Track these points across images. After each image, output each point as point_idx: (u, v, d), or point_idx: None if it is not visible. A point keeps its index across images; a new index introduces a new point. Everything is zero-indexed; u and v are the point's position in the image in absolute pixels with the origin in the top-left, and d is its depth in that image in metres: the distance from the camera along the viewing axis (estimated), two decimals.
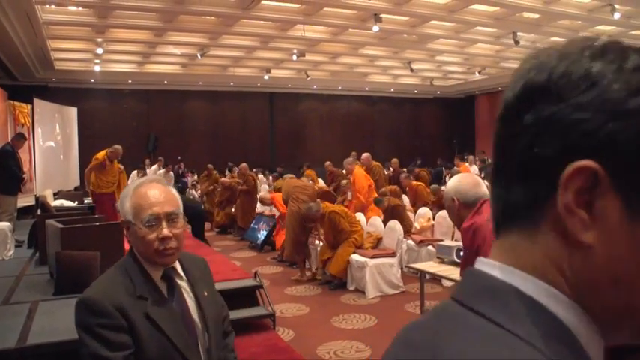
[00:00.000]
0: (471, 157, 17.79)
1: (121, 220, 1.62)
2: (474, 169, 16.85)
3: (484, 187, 2.67)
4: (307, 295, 6.86)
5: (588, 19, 11.64)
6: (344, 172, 10.46)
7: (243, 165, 11.45)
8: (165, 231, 1.59)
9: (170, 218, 1.62)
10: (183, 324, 1.64)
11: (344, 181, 10.25)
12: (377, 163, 11.04)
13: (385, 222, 7.74)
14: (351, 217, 7.48)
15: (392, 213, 8.04)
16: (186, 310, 1.67)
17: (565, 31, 12.85)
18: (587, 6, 11.03)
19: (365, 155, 10.67)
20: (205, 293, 1.76)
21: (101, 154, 9.52)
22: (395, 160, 13.14)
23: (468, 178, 2.81)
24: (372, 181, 9.44)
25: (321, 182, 12.21)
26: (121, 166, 9.89)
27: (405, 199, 9.87)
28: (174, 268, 1.70)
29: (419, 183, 10.40)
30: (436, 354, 0.47)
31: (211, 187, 13.09)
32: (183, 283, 1.71)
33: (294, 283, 7.44)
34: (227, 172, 16.02)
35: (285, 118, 19.98)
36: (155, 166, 15.77)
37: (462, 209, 2.65)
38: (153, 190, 1.64)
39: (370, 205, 8.67)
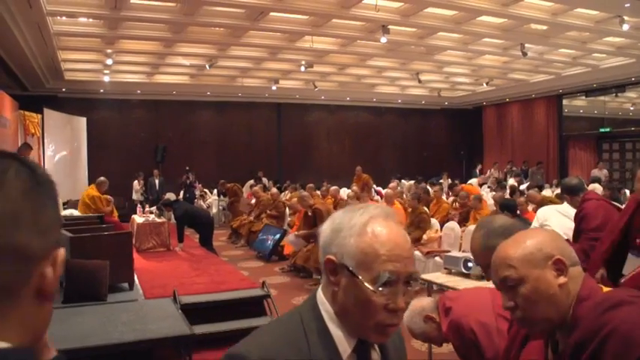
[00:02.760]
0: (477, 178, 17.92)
1: (326, 258, 1.15)
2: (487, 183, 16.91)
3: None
4: None
5: (597, 30, 11.63)
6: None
7: (274, 191, 12.25)
8: (401, 301, 1.14)
9: (408, 282, 1.16)
10: None
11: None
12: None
13: (408, 227, 7.89)
14: None
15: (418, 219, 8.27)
16: None
17: (573, 43, 12.84)
18: (595, 17, 11.01)
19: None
20: None
21: (98, 196, 9.53)
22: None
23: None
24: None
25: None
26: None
27: None
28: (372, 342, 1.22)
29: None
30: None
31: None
32: None
33: (302, 292, 7.43)
34: (251, 182, 16.15)
35: (293, 128, 20.00)
36: (135, 182, 15.84)
37: None
38: (396, 234, 1.16)
39: None
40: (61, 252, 0.76)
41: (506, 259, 1.46)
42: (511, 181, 14.32)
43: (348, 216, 1.17)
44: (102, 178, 9.82)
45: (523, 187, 12.78)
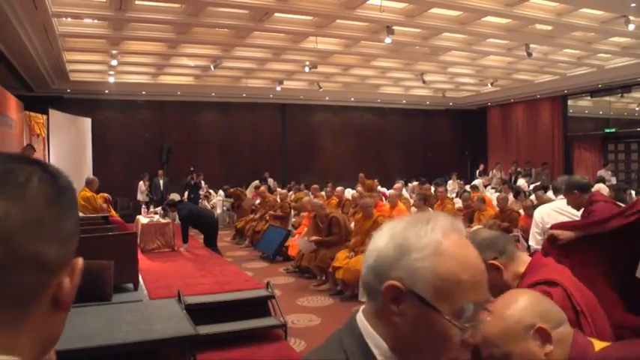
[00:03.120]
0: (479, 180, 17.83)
1: (389, 284, 0.92)
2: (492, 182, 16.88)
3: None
4: (319, 306, 6.85)
5: (602, 30, 11.58)
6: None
7: (283, 192, 12.48)
8: (480, 333, 0.97)
9: (484, 310, 0.97)
10: None
11: None
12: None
13: None
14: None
15: None
16: None
17: (578, 43, 12.80)
18: (600, 17, 10.98)
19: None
20: None
21: (91, 195, 9.56)
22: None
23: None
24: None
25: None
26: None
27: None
28: None
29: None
30: None
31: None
32: None
33: (306, 293, 7.44)
34: (256, 182, 16.19)
35: (297, 129, 20.01)
36: (140, 183, 15.86)
37: None
38: (474, 253, 0.97)
39: None
40: (79, 261, 0.75)
41: (489, 338, 1.38)
42: (521, 181, 14.25)
43: (413, 231, 0.95)
44: (91, 177, 9.87)
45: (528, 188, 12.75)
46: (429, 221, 0.96)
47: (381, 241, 0.97)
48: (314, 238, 8.04)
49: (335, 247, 7.73)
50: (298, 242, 8.55)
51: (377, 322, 0.96)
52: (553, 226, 3.72)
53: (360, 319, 0.99)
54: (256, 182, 16.23)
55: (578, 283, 2.04)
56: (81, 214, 9.18)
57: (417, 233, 0.94)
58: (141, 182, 15.85)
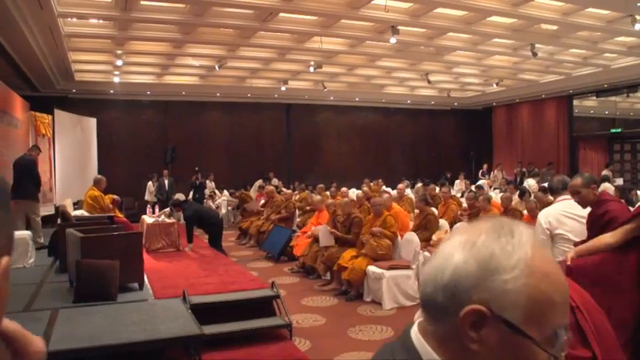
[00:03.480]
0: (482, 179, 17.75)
1: (471, 309, 0.80)
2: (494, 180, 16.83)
3: None
4: (324, 306, 6.85)
5: (608, 30, 11.54)
6: None
7: (288, 192, 12.14)
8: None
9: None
10: None
11: None
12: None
13: (416, 229, 7.89)
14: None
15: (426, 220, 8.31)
16: None
17: (584, 43, 12.76)
18: (606, 17, 10.93)
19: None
20: None
21: (99, 195, 9.64)
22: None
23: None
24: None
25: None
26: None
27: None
28: None
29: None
30: None
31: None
32: None
33: (311, 293, 7.44)
34: (260, 182, 16.21)
35: (302, 129, 20.01)
36: (149, 183, 15.86)
37: None
38: (562, 274, 0.87)
39: None
40: (4, 261, 0.67)
41: None
42: (531, 182, 14.18)
43: (499, 245, 0.83)
44: (98, 176, 9.92)
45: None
46: (512, 233, 0.84)
47: (457, 255, 0.84)
48: (334, 231, 8.02)
49: (347, 246, 7.71)
50: (319, 228, 8.48)
51: (443, 345, 0.85)
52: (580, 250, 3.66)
53: (417, 337, 0.89)
54: (260, 182, 16.26)
55: (573, 283, 2.09)
56: (87, 214, 9.23)
57: (504, 248, 0.82)
58: (150, 182, 15.87)
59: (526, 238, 0.84)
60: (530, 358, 0.80)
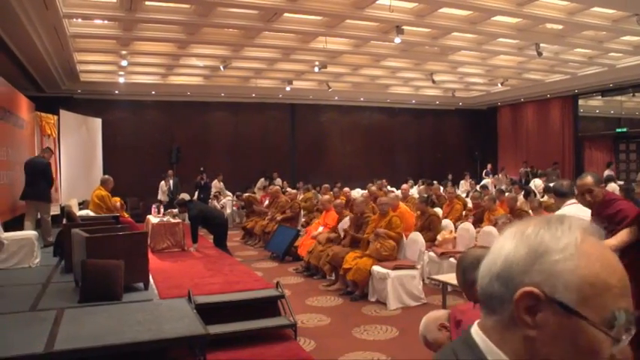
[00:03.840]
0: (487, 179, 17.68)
1: (523, 291, 0.81)
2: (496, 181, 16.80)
3: None
4: (328, 306, 6.85)
5: (613, 29, 11.49)
6: None
7: (293, 192, 12.18)
8: (628, 348, 0.82)
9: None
10: None
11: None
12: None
13: (419, 230, 7.89)
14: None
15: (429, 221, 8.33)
16: None
17: (589, 42, 12.71)
18: (612, 16, 10.89)
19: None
20: None
21: (106, 194, 9.75)
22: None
23: None
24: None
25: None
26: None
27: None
28: None
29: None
30: None
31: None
32: None
33: (316, 293, 7.44)
34: (262, 181, 16.20)
35: (306, 129, 20.01)
36: (162, 183, 15.89)
37: None
38: (619, 262, 0.87)
39: None
40: None
41: None
42: (538, 182, 14.15)
43: (549, 231, 0.85)
44: (105, 176, 10.00)
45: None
46: (562, 221, 0.86)
47: (508, 244, 0.86)
48: (348, 231, 8.08)
49: (355, 246, 7.71)
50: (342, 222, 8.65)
51: (503, 337, 0.85)
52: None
53: (477, 333, 0.90)
54: (262, 180, 16.28)
55: None
56: (92, 214, 9.26)
57: (554, 234, 0.84)
58: (162, 182, 15.89)
59: (576, 225, 0.85)
60: (590, 342, 0.80)
